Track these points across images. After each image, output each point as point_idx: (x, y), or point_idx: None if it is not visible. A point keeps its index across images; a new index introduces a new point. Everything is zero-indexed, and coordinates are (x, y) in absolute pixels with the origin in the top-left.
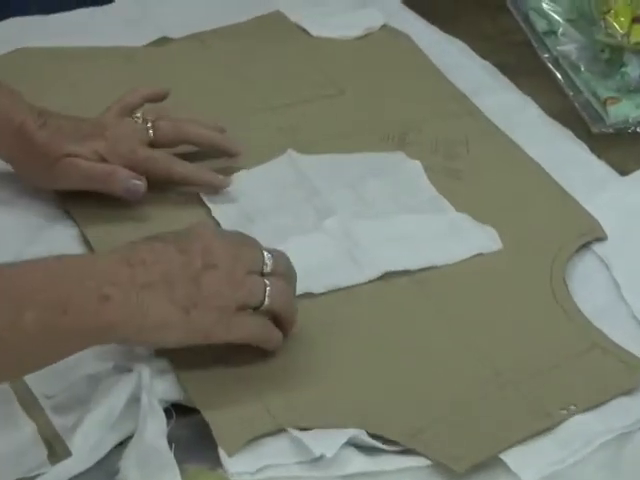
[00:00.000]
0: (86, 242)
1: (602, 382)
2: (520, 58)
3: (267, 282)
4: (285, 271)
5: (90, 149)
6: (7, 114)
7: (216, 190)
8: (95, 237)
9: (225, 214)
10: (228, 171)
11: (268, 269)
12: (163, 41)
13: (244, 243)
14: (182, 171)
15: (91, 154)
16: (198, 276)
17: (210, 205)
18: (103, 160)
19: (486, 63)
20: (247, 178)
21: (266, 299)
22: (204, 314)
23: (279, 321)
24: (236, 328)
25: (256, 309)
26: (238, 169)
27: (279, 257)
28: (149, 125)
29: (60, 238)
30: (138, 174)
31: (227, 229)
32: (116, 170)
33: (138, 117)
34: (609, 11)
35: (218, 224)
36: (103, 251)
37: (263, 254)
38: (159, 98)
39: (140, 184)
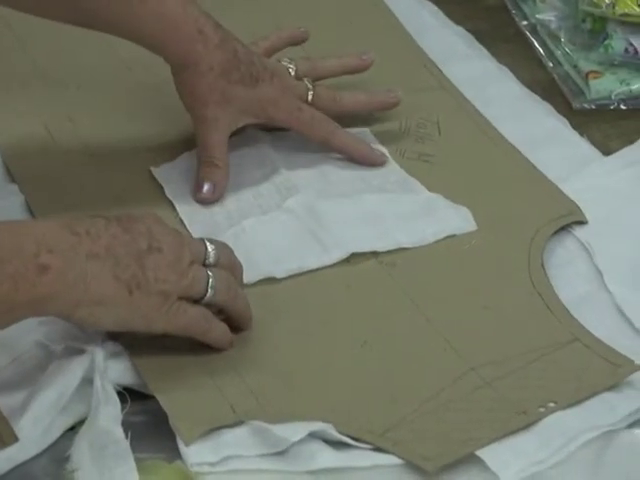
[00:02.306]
0: None
1: (583, 378)
2: (496, 24)
3: (210, 273)
4: (229, 263)
5: (256, 96)
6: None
7: (374, 165)
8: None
9: (179, 194)
10: (182, 148)
11: (211, 260)
12: None
13: (184, 236)
14: (343, 140)
15: (253, 99)
16: (142, 257)
17: (164, 184)
18: (262, 107)
19: (459, 29)
20: None
21: (209, 290)
22: (147, 297)
23: (229, 315)
24: (177, 316)
25: (198, 301)
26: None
27: (222, 248)
28: (309, 90)
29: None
30: (295, 131)
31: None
32: (216, 168)
33: (291, 68)
34: None
35: (172, 204)
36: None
37: (206, 245)
38: (300, 41)
39: (210, 192)
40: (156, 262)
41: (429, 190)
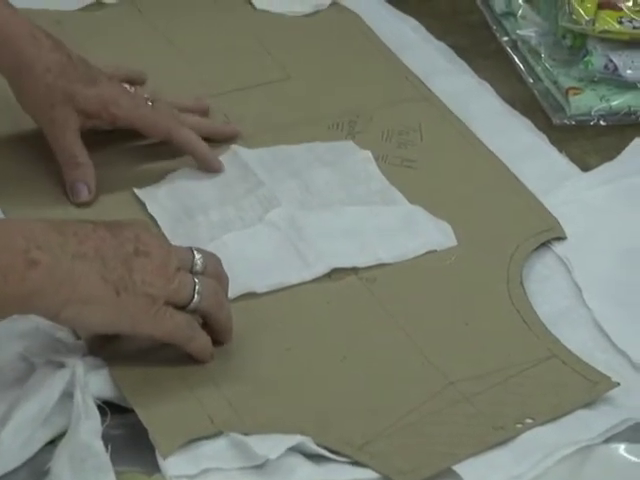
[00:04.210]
0: None
1: (560, 394)
2: (477, 40)
3: (196, 280)
4: (215, 272)
5: (97, 95)
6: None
7: (207, 168)
8: None
9: (162, 210)
10: (172, 166)
11: (198, 268)
12: (97, 6)
13: (171, 243)
14: (185, 137)
15: (95, 97)
16: (130, 260)
17: (145, 201)
18: (104, 106)
19: (441, 44)
20: (190, 174)
21: (195, 296)
22: (134, 299)
23: (212, 325)
24: (163, 320)
25: (184, 308)
26: (183, 163)
27: (210, 257)
28: (148, 98)
29: None
30: (138, 128)
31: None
32: (81, 166)
33: (130, 87)
34: None
35: (154, 220)
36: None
37: (193, 253)
38: (137, 82)
39: (86, 194)
40: (143, 266)
41: (411, 198)
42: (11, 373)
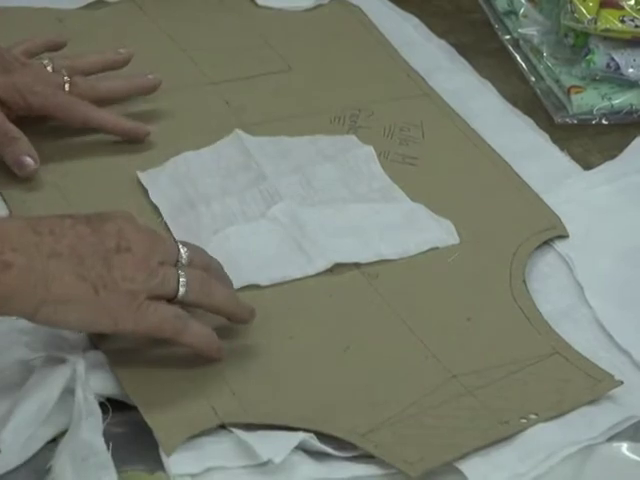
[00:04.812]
0: None
1: (564, 391)
2: (478, 38)
3: (181, 272)
4: (203, 263)
5: (12, 83)
6: None
7: (137, 139)
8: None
9: (164, 198)
10: (174, 150)
11: (184, 261)
12: (99, 4)
13: (158, 235)
14: (102, 118)
15: (10, 86)
16: (110, 257)
17: (148, 188)
18: (20, 94)
19: (442, 42)
20: (193, 160)
21: (180, 289)
22: (114, 296)
23: (213, 312)
24: (146, 315)
25: (171, 300)
26: (184, 148)
27: (195, 250)
28: (66, 79)
29: None
30: (54, 117)
31: (167, 215)
32: (17, 140)
33: (47, 63)
34: None
35: (156, 208)
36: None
37: (178, 247)
38: (57, 47)
39: (32, 164)
40: (124, 261)
41: (413, 195)
42: (12, 376)
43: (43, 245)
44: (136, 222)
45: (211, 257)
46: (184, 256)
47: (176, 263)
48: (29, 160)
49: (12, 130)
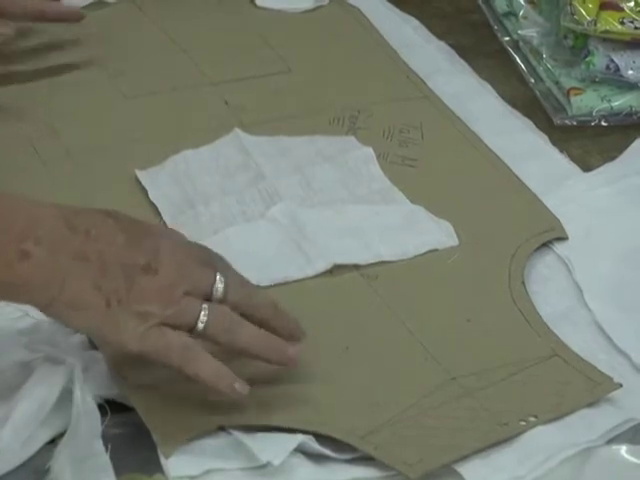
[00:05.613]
0: None
1: (563, 394)
2: (478, 40)
3: (206, 306)
4: (240, 300)
5: None
6: None
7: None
8: None
9: (163, 197)
10: (174, 149)
11: (218, 295)
12: (99, 4)
13: (199, 262)
14: (37, 4)
15: None
16: (134, 274)
17: (148, 187)
18: None
19: (441, 44)
20: (192, 158)
21: (199, 324)
22: (125, 314)
23: (230, 350)
24: (148, 338)
25: (190, 332)
26: (184, 148)
27: (234, 285)
28: None
29: None
30: None
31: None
32: None
33: None
34: None
35: (155, 208)
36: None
37: (215, 279)
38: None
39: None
40: (147, 283)
41: (412, 197)
42: (11, 372)
43: (72, 243)
44: (178, 241)
45: (249, 287)
46: (219, 290)
47: (209, 295)
48: None
49: None
